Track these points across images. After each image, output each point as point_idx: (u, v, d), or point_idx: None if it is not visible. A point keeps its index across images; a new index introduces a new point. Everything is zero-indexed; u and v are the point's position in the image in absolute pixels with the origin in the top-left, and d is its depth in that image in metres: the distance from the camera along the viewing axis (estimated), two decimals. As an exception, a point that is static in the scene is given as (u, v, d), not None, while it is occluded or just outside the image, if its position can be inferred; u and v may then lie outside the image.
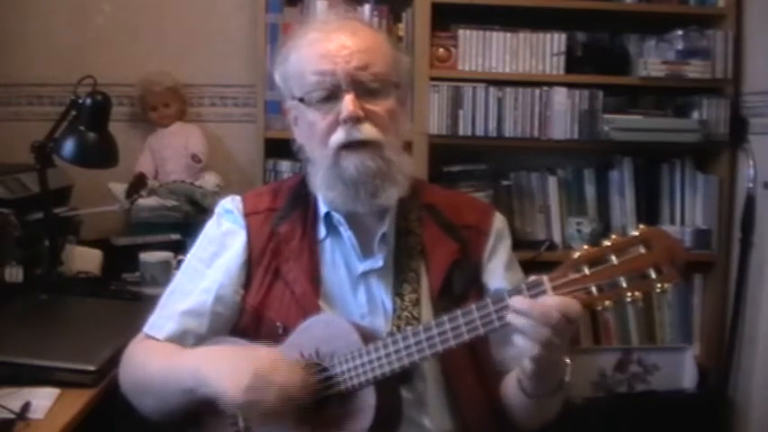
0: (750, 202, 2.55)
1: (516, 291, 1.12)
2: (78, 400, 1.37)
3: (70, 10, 2.67)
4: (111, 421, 1.38)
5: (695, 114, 2.63)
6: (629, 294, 1.08)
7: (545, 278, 1.10)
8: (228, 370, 1.17)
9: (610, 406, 2.54)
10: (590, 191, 2.76)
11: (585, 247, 1.11)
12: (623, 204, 2.73)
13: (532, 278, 1.12)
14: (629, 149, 2.71)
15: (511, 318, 1.09)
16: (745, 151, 2.58)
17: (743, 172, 2.62)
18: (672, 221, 2.72)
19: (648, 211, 2.72)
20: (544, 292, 1.09)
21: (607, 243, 1.09)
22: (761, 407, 2.47)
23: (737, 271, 2.59)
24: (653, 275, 1.07)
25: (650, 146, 2.64)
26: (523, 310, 1.08)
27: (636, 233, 1.09)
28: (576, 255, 1.10)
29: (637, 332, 2.69)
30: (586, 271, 1.09)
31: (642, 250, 1.08)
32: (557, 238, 2.72)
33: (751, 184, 2.54)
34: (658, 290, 1.08)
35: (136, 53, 2.67)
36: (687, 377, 2.62)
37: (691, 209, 2.72)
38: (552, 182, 2.74)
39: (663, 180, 2.74)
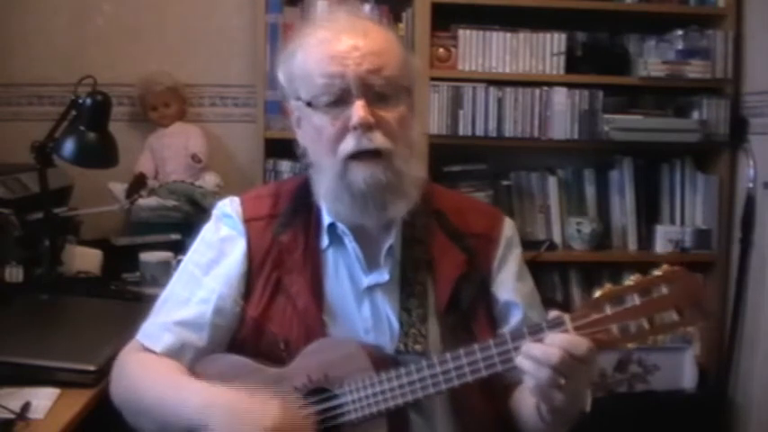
0: (750, 202, 2.55)
1: (537, 329, 1.09)
2: (78, 400, 1.37)
3: (70, 10, 2.67)
4: (111, 421, 1.38)
5: (695, 114, 2.63)
6: (651, 338, 1.07)
7: (566, 317, 1.08)
8: (235, 425, 1.11)
9: (610, 406, 2.54)
10: (590, 191, 2.76)
11: (608, 285, 1.09)
12: (623, 204, 2.73)
13: (553, 315, 1.10)
14: (629, 149, 2.71)
15: (518, 361, 1.07)
16: (745, 151, 2.58)
17: (743, 172, 2.62)
18: (672, 221, 2.73)
19: (648, 211, 2.73)
20: (566, 333, 1.07)
21: (630, 282, 1.08)
22: (761, 407, 2.47)
23: (737, 271, 2.59)
24: (675, 318, 1.06)
25: (650, 146, 2.64)
26: (526, 351, 1.06)
27: (659, 272, 1.07)
28: (598, 293, 1.08)
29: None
30: (608, 311, 1.07)
31: (664, 291, 1.07)
32: (557, 238, 2.72)
33: (751, 184, 2.55)
34: (680, 333, 1.08)
35: (136, 53, 2.67)
36: (687, 377, 2.62)
37: (691, 209, 2.72)
38: (552, 182, 2.74)
39: (663, 180, 2.74)
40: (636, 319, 1.07)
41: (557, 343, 1.04)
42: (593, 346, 1.05)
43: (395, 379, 1.14)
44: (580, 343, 1.04)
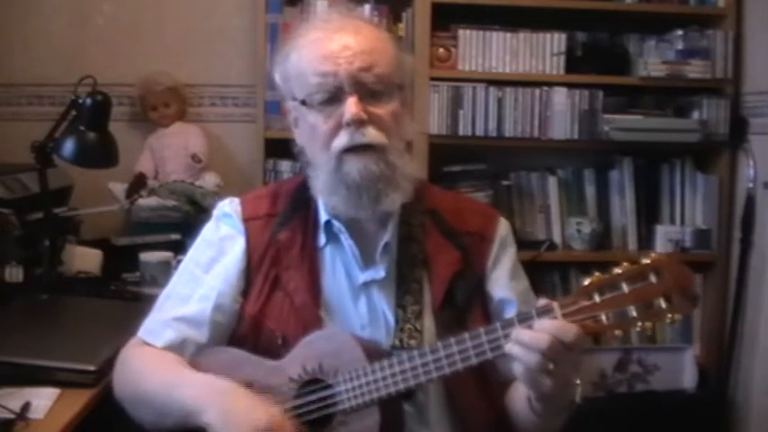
0: (750, 202, 2.55)
1: (526, 316, 1.10)
2: (78, 400, 1.37)
3: (70, 10, 2.67)
4: (111, 421, 1.38)
5: (695, 114, 2.63)
6: (639, 324, 1.07)
7: (555, 305, 1.09)
8: (230, 419, 1.12)
9: (610, 406, 2.54)
10: (590, 191, 2.75)
11: (597, 273, 1.10)
12: (623, 204, 2.73)
13: (542, 302, 1.11)
14: (629, 149, 2.71)
15: (508, 347, 1.09)
16: (745, 151, 2.58)
17: (743, 172, 2.62)
18: (672, 221, 2.73)
19: (648, 211, 2.72)
20: (555, 319, 1.08)
21: (618, 270, 1.09)
22: (761, 407, 2.47)
23: (737, 271, 2.59)
24: (663, 305, 1.07)
25: (650, 146, 2.64)
26: (515, 337, 1.08)
27: (647, 260, 1.08)
28: (587, 281, 1.09)
29: (637, 332, 2.69)
30: (597, 299, 1.08)
31: (653, 279, 1.07)
32: (557, 238, 2.72)
33: (751, 184, 2.55)
34: (668, 320, 1.07)
35: (136, 53, 2.67)
36: (687, 377, 2.62)
37: (691, 209, 2.72)
38: (552, 182, 2.74)
39: (663, 180, 2.74)
40: (624, 307, 1.08)
41: (546, 328, 1.06)
42: (581, 333, 1.07)
43: (387, 368, 1.16)
44: (569, 329, 1.06)
